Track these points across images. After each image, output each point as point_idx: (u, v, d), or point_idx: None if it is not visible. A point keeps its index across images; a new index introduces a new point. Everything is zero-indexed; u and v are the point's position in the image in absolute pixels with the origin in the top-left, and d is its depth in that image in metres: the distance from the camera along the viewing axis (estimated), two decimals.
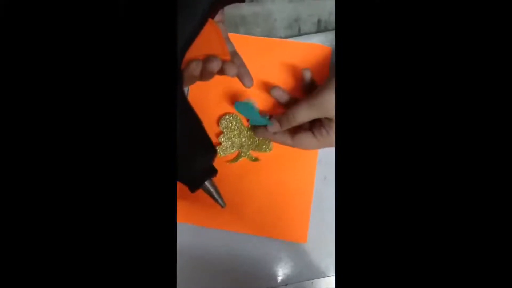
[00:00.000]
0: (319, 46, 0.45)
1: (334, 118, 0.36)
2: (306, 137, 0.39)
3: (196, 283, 0.44)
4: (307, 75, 0.43)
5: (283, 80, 0.45)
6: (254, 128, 0.43)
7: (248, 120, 0.45)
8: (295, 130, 0.40)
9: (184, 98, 0.31)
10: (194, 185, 0.35)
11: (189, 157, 0.32)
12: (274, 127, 0.40)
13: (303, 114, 0.38)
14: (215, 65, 0.33)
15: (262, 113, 0.42)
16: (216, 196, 0.37)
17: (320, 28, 0.46)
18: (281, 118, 0.40)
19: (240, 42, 0.45)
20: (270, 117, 0.42)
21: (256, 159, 0.45)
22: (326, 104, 0.36)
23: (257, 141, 0.44)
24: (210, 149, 0.34)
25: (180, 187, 0.44)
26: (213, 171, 0.36)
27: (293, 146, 0.41)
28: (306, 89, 0.43)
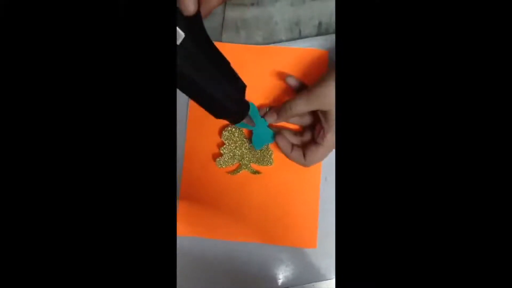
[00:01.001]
0: (316, 50, 0.45)
1: (331, 110, 0.37)
2: (313, 151, 0.40)
3: (196, 285, 0.44)
4: (291, 82, 0.43)
5: (280, 87, 0.45)
6: (276, 135, 0.43)
7: (251, 132, 0.44)
8: (305, 148, 0.41)
9: (210, 40, 0.30)
10: (239, 118, 0.37)
11: (229, 93, 0.33)
12: (271, 117, 0.41)
13: (300, 105, 0.38)
14: None
15: (261, 108, 0.42)
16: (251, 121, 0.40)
17: (320, 31, 0.46)
18: (278, 109, 0.40)
19: (236, 51, 0.45)
20: (270, 109, 0.42)
21: (257, 172, 0.45)
22: (324, 96, 0.37)
23: (258, 154, 0.44)
24: (241, 83, 0.35)
25: (184, 198, 0.45)
26: (248, 103, 0.38)
27: (307, 165, 0.41)
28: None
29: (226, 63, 0.32)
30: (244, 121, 0.38)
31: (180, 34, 0.25)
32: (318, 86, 0.37)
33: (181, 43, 0.25)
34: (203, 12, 0.28)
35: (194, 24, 0.26)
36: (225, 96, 0.32)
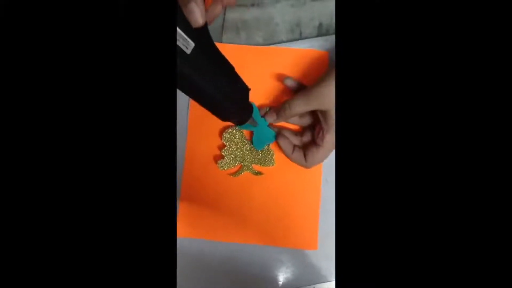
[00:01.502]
0: (316, 51, 0.45)
1: (330, 110, 0.37)
2: (314, 152, 0.40)
3: (196, 286, 0.44)
4: (290, 83, 0.43)
5: (280, 87, 0.45)
6: (277, 136, 0.43)
7: (251, 132, 0.44)
8: (305, 149, 0.41)
9: (215, 47, 0.31)
10: (244, 120, 0.39)
11: (234, 97, 0.34)
12: (271, 117, 0.41)
13: (299, 105, 0.38)
14: None
15: (261, 108, 0.42)
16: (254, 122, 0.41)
17: (321, 32, 0.46)
18: (278, 109, 0.41)
19: (236, 52, 0.45)
20: (270, 109, 0.42)
21: (259, 173, 0.44)
22: (322, 95, 0.37)
23: (260, 155, 0.44)
24: (245, 86, 0.36)
25: (184, 200, 0.45)
26: (251, 105, 0.40)
27: (308, 167, 0.41)
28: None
29: (231, 68, 0.33)
30: (248, 122, 0.39)
31: (191, 44, 0.26)
32: (317, 86, 0.37)
33: (191, 52, 0.26)
34: (207, 19, 0.28)
35: (202, 32, 0.27)
36: (230, 100, 0.33)
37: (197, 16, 0.26)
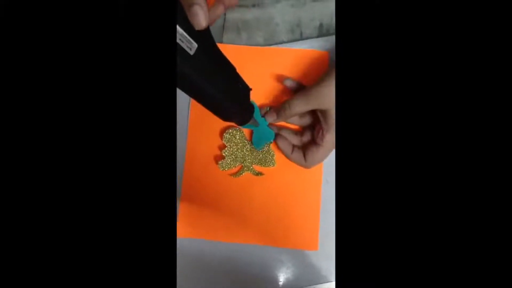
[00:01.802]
0: (316, 51, 0.45)
1: (329, 110, 0.37)
2: (313, 151, 0.40)
3: (196, 286, 0.44)
4: (289, 84, 0.43)
5: (280, 87, 0.45)
6: (276, 136, 0.43)
7: (251, 132, 0.44)
8: (305, 148, 0.41)
9: (217, 47, 0.31)
10: (246, 120, 0.39)
11: (236, 97, 0.34)
12: (271, 117, 0.41)
13: (299, 104, 0.39)
14: None
15: (261, 108, 0.43)
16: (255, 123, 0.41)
17: (321, 32, 0.46)
18: (278, 109, 0.41)
19: (237, 52, 0.45)
20: (270, 109, 0.42)
21: (259, 174, 0.44)
22: (322, 95, 0.37)
23: (260, 155, 0.44)
24: (246, 86, 0.36)
25: (185, 200, 0.45)
26: (253, 106, 0.40)
27: (308, 167, 0.41)
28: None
29: (233, 69, 0.33)
30: (249, 122, 0.39)
31: (194, 45, 0.26)
32: (317, 86, 0.37)
33: (194, 53, 0.26)
34: (209, 21, 0.29)
35: (204, 33, 0.27)
36: (232, 100, 0.33)
37: (201, 19, 0.26)
